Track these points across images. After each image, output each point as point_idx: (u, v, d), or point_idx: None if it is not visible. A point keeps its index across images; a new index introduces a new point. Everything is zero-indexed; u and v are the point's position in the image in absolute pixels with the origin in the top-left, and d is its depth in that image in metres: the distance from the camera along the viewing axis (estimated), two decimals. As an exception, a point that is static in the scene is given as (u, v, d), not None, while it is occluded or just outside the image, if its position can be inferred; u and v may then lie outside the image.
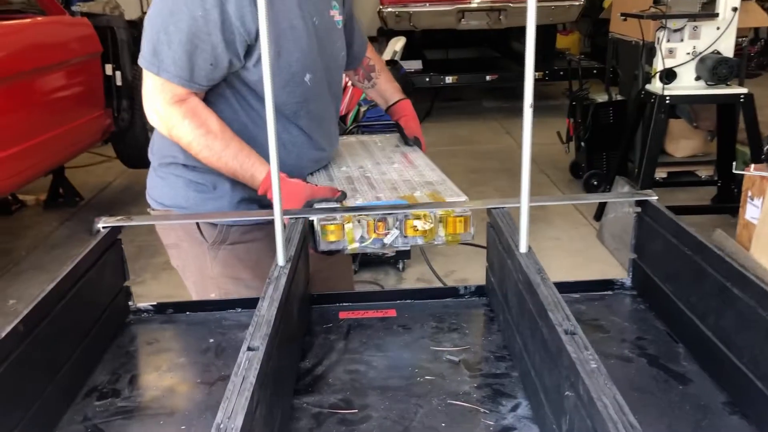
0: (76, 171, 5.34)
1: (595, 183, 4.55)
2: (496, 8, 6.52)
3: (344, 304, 1.31)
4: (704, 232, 3.19)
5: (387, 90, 1.84)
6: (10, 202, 4.75)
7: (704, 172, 4.61)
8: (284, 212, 1.07)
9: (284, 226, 1.06)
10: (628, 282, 1.33)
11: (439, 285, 2.93)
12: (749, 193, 2.81)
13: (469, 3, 6.49)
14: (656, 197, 1.25)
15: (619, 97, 4.62)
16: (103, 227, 1.23)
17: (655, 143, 3.68)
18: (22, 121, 3.37)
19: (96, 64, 4.20)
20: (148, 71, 1.36)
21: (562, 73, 6.76)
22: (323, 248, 1.22)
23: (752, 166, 2.79)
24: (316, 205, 1.30)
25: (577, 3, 6.50)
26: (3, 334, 0.86)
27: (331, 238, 1.22)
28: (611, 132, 4.50)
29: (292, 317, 1.05)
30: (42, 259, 4.01)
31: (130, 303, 1.31)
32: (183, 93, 1.36)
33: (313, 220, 1.22)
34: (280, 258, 1.04)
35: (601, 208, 4.00)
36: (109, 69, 4.24)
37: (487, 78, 6.81)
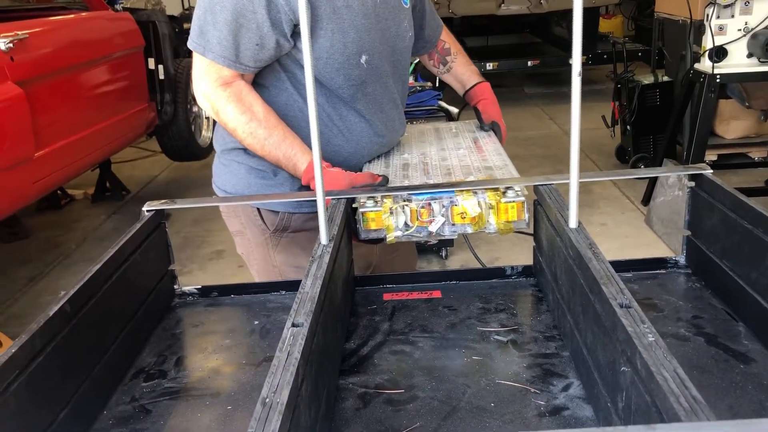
0: (122, 165, 5.44)
1: (642, 167, 4.43)
2: (536, -8, 6.41)
3: (388, 285, 1.29)
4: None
5: (464, 74, 1.75)
6: (60, 196, 4.86)
7: (757, 154, 4.44)
8: (326, 193, 1.05)
9: (326, 208, 1.05)
10: (682, 260, 1.28)
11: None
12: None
13: (510, -13, 6.39)
14: (711, 170, 1.20)
15: (665, 79, 4.49)
16: (147, 210, 1.23)
17: (704, 124, 3.56)
18: (68, 115, 3.43)
19: (139, 58, 4.26)
20: (195, 52, 1.35)
21: (605, 56, 6.63)
22: (364, 237, 1.19)
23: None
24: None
25: (620, -16, 6.34)
26: (50, 314, 0.87)
27: (372, 225, 1.18)
28: (658, 114, 4.38)
29: (336, 296, 1.04)
30: (91, 252, 4.10)
31: (175, 287, 1.31)
32: (229, 75, 1.35)
33: (355, 208, 1.19)
34: (324, 237, 1.02)
35: (649, 192, 3.90)
36: (151, 63, 4.30)
37: (529, 63, 6.71)
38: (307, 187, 1.42)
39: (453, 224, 1.18)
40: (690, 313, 1.12)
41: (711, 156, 4.39)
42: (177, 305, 1.29)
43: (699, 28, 3.65)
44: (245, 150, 1.46)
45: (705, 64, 3.54)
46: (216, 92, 1.35)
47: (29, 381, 0.79)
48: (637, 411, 0.70)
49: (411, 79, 3.46)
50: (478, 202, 1.16)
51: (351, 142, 1.46)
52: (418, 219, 1.17)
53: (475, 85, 1.73)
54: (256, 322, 1.20)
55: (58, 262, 3.97)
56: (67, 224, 4.61)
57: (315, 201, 1.04)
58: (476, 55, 6.95)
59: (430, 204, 1.17)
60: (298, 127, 1.39)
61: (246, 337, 1.18)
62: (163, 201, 1.26)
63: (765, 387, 0.92)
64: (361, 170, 1.44)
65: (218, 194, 1.55)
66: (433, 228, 1.17)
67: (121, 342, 1.06)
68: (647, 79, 4.51)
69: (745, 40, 3.48)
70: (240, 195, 1.50)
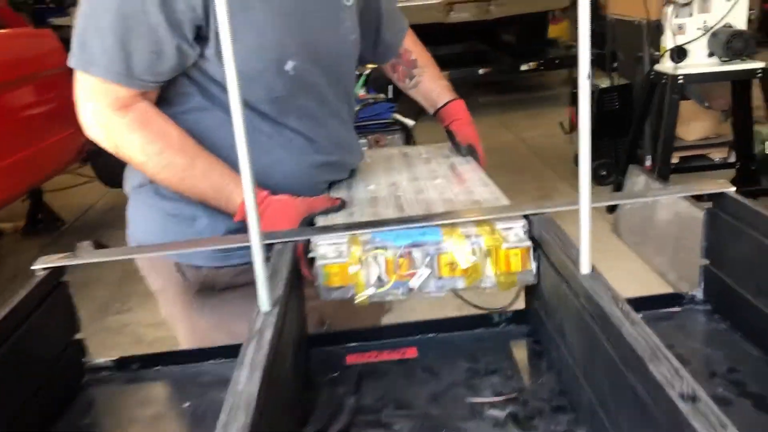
0: (56, 194, 5.07)
1: (604, 173, 4.31)
2: (484, -2, 6.29)
3: (351, 344, 1.05)
4: None
5: (434, 90, 1.50)
6: (-14, 231, 4.49)
7: (717, 155, 4.37)
8: (264, 236, 0.81)
9: (268, 258, 0.80)
10: (699, 294, 1.07)
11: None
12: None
13: (457, -6, 6.25)
14: (734, 188, 1.00)
15: (622, 82, 4.38)
16: (42, 269, 0.97)
17: (670, 127, 3.43)
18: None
19: (67, 78, 3.94)
20: (78, 70, 1.08)
21: (557, 61, 6.56)
22: (325, 297, 0.93)
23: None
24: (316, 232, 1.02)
25: (569, -12, 6.28)
26: None
27: (336, 282, 0.92)
28: (618, 118, 4.26)
29: (284, 375, 0.80)
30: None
31: (84, 360, 1.05)
32: (126, 96, 1.08)
33: (312, 258, 0.94)
34: (263, 301, 0.78)
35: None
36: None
37: (480, 72, 6.57)
38: (236, 233, 1.12)
39: (440, 278, 0.93)
40: (723, 365, 0.92)
41: (672, 159, 4.30)
42: (88, 383, 1.03)
43: (657, 28, 3.53)
44: (156, 189, 1.21)
45: (666, 65, 3.41)
46: (112, 119, 1.09)
47: None
48: None
49: (362, 92, 3.24)
50: (472, 248, 0.92)
51: (289, 161, 1.20)
52: (395, 272, 0.92)
53: (447, 103, 1.48)
54: (187, 404, 0.95)
55: (-17, 305, 3.61)
56: (-6, 261, 4.23)
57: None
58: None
59: (410, 252, 0.92)
60: (222, 151, 1.13)
61: (176, 422, 0.93)
62: (62, 255, 1.00)
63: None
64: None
65: (131, 245, 1.28)
66: (414, 283, 0.93)
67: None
68: (604, 83, 4.39)
69: (705, 39, 3.37)
70: (156, 245, 1.22)
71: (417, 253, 0.92)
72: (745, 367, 0.90)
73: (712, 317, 1.04)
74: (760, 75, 3.31)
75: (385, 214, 1.09)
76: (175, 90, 1.15)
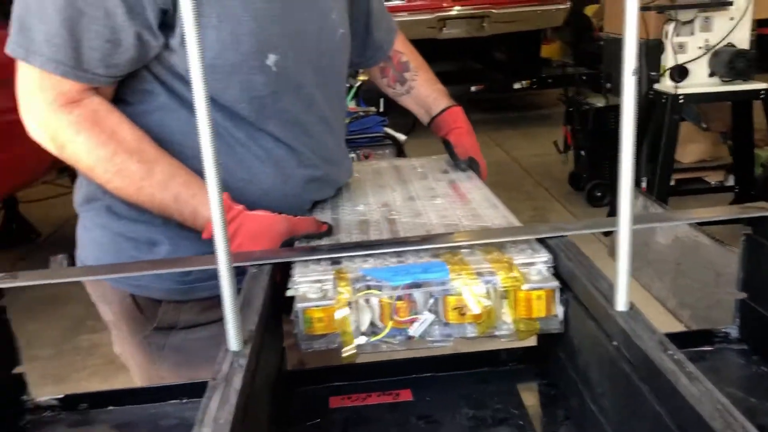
0: (32, 205, 4.91)
1: (599, 194, 4.21)
2: (477, 15, 6.21)
3: (336, 383, 0.91)
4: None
5: (429, 96, 1.36)
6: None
7: (714, 178, 4.29)
8: (234, 257, 0.67)
9: (239, 290, 0.66)
10: (734, 332, 0.94)
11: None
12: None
13: (450, 10, 6.17)
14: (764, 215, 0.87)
15: (619, 101, 4.30)
16: (-25, 292, 0.83)
17: (670, 148, 3.34)
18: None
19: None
20: (17, 58, 0.93)
21: (550, 80, 6.50)
22: (306, 347, 0.76)
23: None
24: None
25: (563, 6, 6.23)
26: None
27: (319, 329, 0.76)
28: (614, 138, 4.14)
29: (258, 426, 0.65)
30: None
31: (24, 397, 0.90)
32: (73, 90, 0.94)
33: (290, 297, 0.78)
34: (232, 341, 0.63)
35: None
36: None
37: (473, 89, 6.49)
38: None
39: (446, 324, 0.77)
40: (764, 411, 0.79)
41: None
42: (28, 426, 0.88)
43: (656, 47, 3.44)
44: (109, 206, 1.06)
45: (666, 84, 3.32)
46: (56, 116, 0.94)
47: None
48: None
49: (353, 104, 3.12)
50: (486, 289, 0.76)
51: (273, 167, 1.06)
52: (392, 318, 0.76)
53: (444, 110, 1.34)
54: (140, 453, 0.81)
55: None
56: (-36, 274, 4.06)
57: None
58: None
59: (410, 294, 0.77)
60: (189, 161, 0.98)
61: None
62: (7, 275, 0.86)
63: None
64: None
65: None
66: (415, 331, 0.77)
67: None
68: (600, 102, 4.31)
69: (706, 59, 3.28)
70: (105, 265, 1.07)
71: (418, 295, 0.77)
72: (799, 422, 0.77)
73: (750, 359, 0.91)
74: (763, 96, 3.22)
75: (376, 238, 0.95)
76: (134, 87, 1.01)
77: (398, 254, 0.85)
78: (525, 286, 0.76)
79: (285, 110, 1.05)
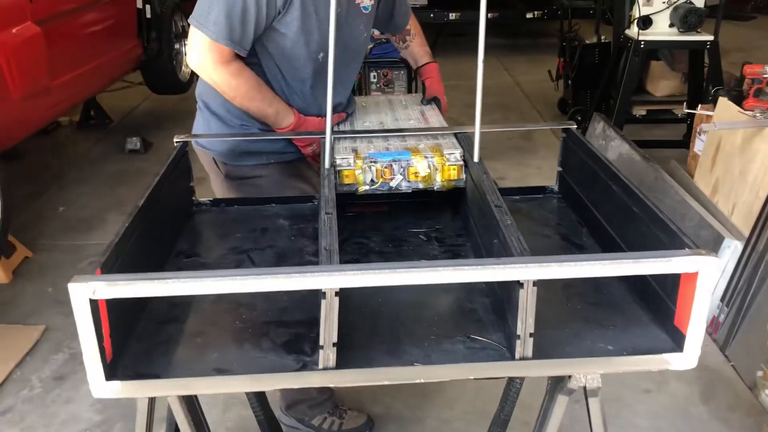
0: (104, 95, 5.77)
1: (579, 118, 4.96)
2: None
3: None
4: (663, 163, 3.61)
5: (418, 53, 2.15)
6: (47, 122, 5.22)
7: (680, 111, 5.01)
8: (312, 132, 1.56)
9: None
10: (555, 188, 1.81)
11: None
12: (698, 129, 3.27)
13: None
14: (575, 126, 1.73)
15: (605, 40, 4.99)
16: (177, 141, 1.70)
17: (629, 84, 4.10)
18: (75, 51, 3.84)
19: (126, 1, 4.61)
20: (200, 31, 1.63)
21: (559, 12, 7.07)
22: (339, 190, 1.49)
23: (700, 106, 3.24)
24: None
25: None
26: (127, 224, 1.26)
27: (347, 180, 1.53)
28: (596, 72, 4.90)
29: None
30: (81, 174, 4.51)
31: (193, 198, 1.78)
32: (229, 54, 1.65)
33: (333, 165, 1.54)
34: (327, 162, 1.53)
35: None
36: (139, 2, 4.64)
37: (488, 16, 7.08)
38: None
39: (409, 181, 1.55)
40: (554, 222, 1.67)
41: (641, 111, 4.96)
42: (195, 212, 1.76)
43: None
44: (212, 112, 1.85)
45: (633, 31, 4.05)
46: (219, 70, 1.67)
47: (127, 255, 1.27)
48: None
49: (377, 32, 3.89)
50: (428, 164, 1.55)
51: (314, 102, 1.83)
52: (382, 176, 1.54)
53: (425, 64, 2.12)
54: (256, 224, 1.70)
55: (52, 183, 4.38)
56: (55, 149, 4.98)
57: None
58: (441, 5, 7.30)
59: (391, 165, 1.55)
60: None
61: (251, 233, 1.67)
62: (187, 135, 1.73)
63: (581, 251, 1.49)
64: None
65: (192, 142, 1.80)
66: (393, 183, 1.55)
67: (166, 235, 1.54)
68: (591, 39, 5.00)
69: (668, 12, 3.99)
70: (199, 145, 1.88)
71: (395, 165, 1.55)
72: (565, 223, 1.65)
73: (560, 201, 1.78)
74: (708, 47, 3.96)
75: (374, 141, 1.76)
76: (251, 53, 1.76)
77: (385, 139, 1.74)
78: (447, 163, 1.59)
79: (321, 78, 1.75)
